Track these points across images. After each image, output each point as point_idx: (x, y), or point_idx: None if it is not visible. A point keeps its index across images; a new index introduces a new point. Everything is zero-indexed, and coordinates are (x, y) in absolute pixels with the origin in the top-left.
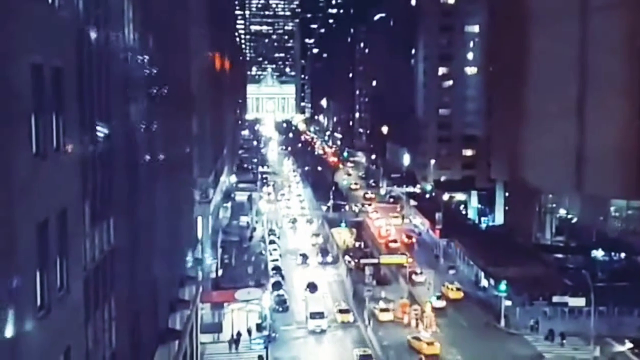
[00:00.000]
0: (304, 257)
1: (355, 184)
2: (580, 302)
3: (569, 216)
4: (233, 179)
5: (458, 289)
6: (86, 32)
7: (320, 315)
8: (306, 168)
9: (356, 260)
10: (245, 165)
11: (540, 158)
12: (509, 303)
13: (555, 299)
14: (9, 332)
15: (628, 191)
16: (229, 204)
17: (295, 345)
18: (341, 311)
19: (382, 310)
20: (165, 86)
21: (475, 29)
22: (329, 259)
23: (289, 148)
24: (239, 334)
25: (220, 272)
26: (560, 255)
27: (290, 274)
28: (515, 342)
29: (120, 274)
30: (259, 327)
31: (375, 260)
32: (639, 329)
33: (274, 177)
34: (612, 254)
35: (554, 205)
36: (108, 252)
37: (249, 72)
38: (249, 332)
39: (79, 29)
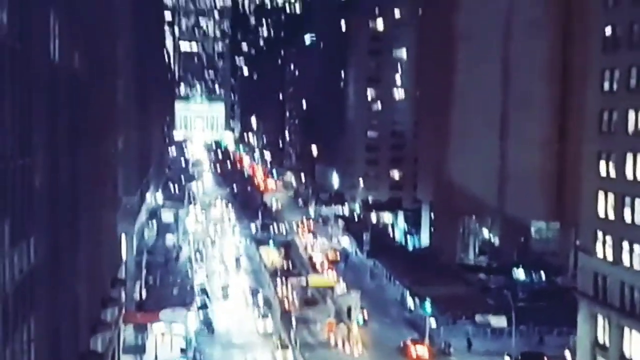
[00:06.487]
0: None
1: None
2: (502, 321)
3: (491, 237)
4: (159, 197)
5: (336, 251)
6: (8, 45)
7: None
8: (235, 188)
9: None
10: (172, 184)
11: (464, 180)
12: (433, 322)
13: (477, 318)
14: None
15: (547, 213)
16: (154, 224)
17: None
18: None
19: None
20: (91, 103)
21: (403, 53)
22: None
23: (218, 167)
24: None
25: (144, 294)
26: (483, 275)
27: None
28: None
29: (41, 294)
30: (183, 351)
31: (303, 282)
32: (559, 348)
33: (202, 197)
34: (533, 274)
35: (477, 226)
36: (28, 272)
37: (177, 90)
38: None
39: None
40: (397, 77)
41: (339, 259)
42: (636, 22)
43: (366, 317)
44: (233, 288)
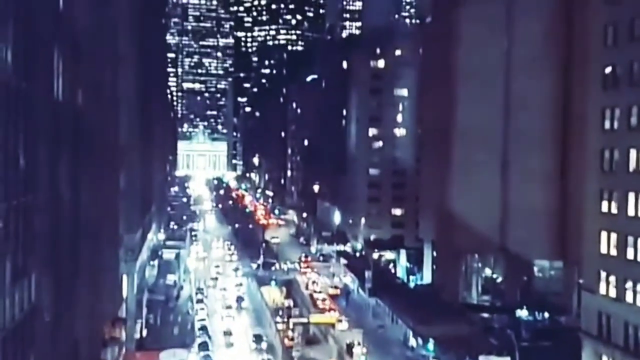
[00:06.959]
0: None
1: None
2: None
3: (494, 276)
4: (161, 236)
5: (336, 287)
6: (12, 84)
7: None
8: (236, 226)
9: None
10: (174, 223)
11: (466, 218)
12: None
13: (481, 358)
14: None
15: (550, 252)
16: (156, 262)
17: None
18: None
19: None
20: (94, 141)
21: (404, 92)
22: None
23: (220, 205)
24: None
25: (144, 333)
26: (486, 315)
27: None
28: None
29: (41, 333)
30: None
31: (304, 320)
32: None
33: (204, 235)
34: (536, 313)
35: (480, 264)
36: (28, 310)
37: (180, 129)
38: None
39: (5, 83)
40: (399, 115)
41: (339, 292)
42: (636, 61)
43: (365, 352)
44: (235, 329)
